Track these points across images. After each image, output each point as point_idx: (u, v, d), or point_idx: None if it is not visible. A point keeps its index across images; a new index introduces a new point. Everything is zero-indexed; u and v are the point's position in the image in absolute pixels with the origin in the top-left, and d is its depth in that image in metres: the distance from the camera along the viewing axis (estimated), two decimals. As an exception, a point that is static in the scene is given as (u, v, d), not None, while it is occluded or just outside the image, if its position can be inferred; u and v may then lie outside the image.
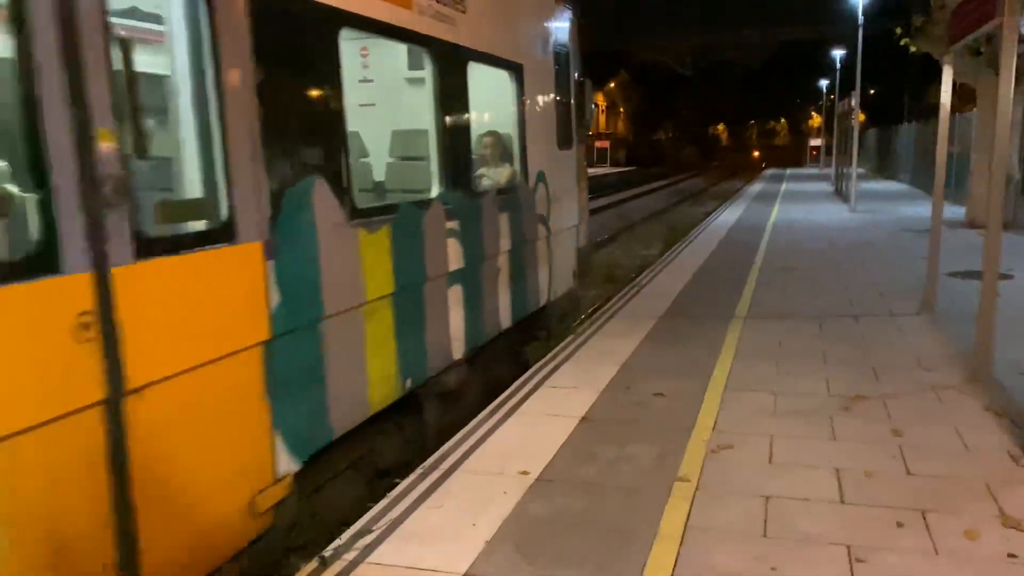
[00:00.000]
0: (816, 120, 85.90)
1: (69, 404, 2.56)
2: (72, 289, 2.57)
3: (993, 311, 5.53)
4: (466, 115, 5.45)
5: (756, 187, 33.56)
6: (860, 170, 21.74)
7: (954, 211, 18.31)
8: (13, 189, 2.75)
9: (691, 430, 4.88)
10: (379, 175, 5.76)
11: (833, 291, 9.31)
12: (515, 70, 6.36)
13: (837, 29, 40.83)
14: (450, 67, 5.21)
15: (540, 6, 7.16)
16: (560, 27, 7.53)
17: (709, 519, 3.73)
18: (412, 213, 4.77)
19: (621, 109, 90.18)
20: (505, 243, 6.16)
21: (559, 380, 6.01)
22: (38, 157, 2.46)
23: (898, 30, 16.90)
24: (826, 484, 4.07)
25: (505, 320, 6.33)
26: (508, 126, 6.48)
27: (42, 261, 2.49)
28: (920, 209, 20.04)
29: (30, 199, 2.53)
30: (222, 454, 3.28)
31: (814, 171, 50.07)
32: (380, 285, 4.37)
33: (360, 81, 6.20)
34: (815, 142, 62.40)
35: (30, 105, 2.43)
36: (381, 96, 6.16)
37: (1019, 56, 14.02)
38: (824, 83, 56.86)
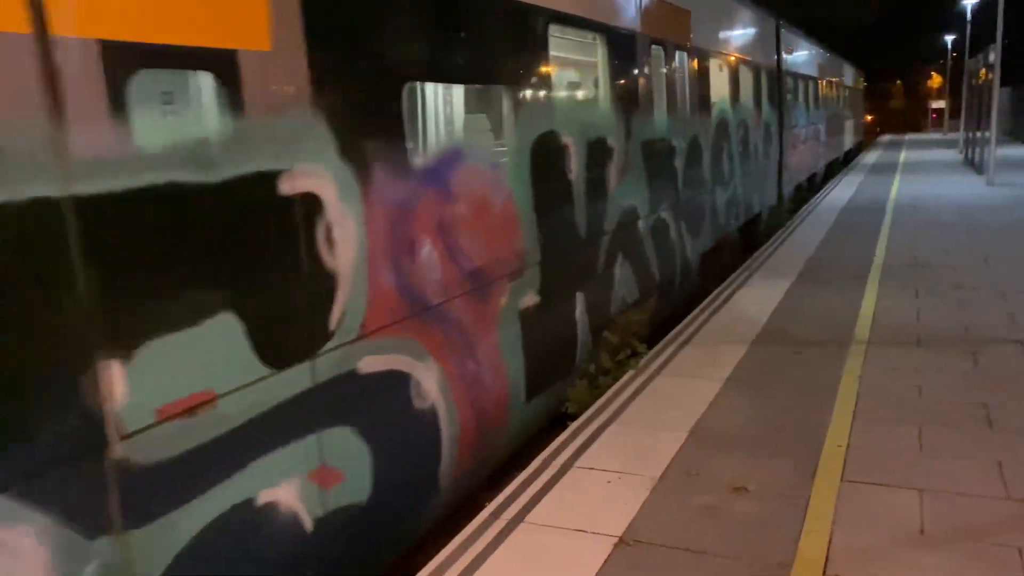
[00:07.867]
0: (936, 80, 79.20)
1: None
2: None
3: None
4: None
5: (872, 156, 30.30)
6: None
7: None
8: None
9: (789, 569, 3.12)
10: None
11: (982, 300, 7.15)
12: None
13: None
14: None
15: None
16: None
17: None
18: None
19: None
20: (856, 128, 34.67)
21: (598, 456, 4.30)
22: None
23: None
24: None
25: (850, 144, 30.80)
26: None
27: None
28: (1076, 181, 17.02)
29: None
30: None
31: (936, 136, 45.66)
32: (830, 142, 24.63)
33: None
34: (937, 104, 57.01)
35: None
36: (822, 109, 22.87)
37: None
38: (949, 39, 51.76)
